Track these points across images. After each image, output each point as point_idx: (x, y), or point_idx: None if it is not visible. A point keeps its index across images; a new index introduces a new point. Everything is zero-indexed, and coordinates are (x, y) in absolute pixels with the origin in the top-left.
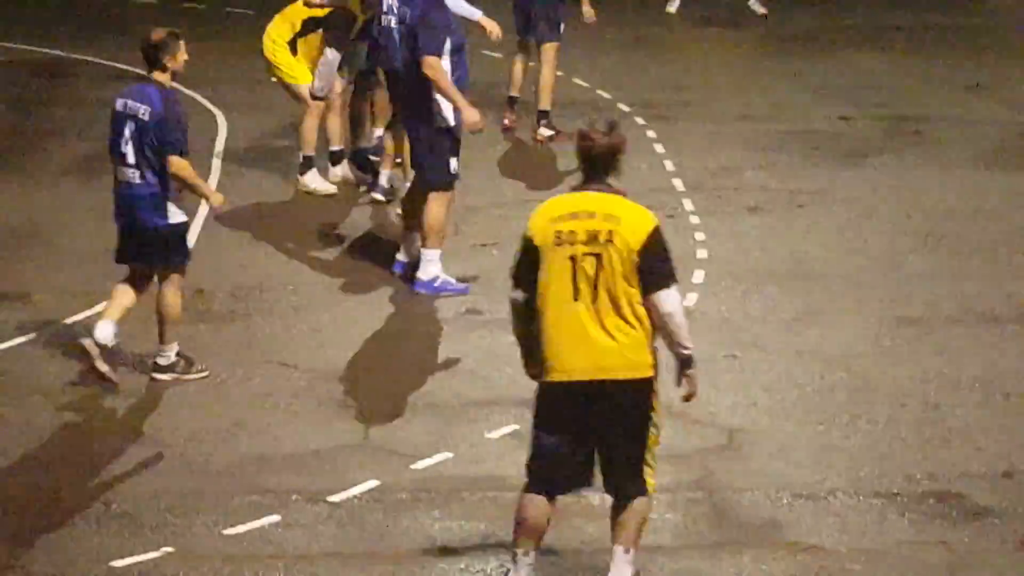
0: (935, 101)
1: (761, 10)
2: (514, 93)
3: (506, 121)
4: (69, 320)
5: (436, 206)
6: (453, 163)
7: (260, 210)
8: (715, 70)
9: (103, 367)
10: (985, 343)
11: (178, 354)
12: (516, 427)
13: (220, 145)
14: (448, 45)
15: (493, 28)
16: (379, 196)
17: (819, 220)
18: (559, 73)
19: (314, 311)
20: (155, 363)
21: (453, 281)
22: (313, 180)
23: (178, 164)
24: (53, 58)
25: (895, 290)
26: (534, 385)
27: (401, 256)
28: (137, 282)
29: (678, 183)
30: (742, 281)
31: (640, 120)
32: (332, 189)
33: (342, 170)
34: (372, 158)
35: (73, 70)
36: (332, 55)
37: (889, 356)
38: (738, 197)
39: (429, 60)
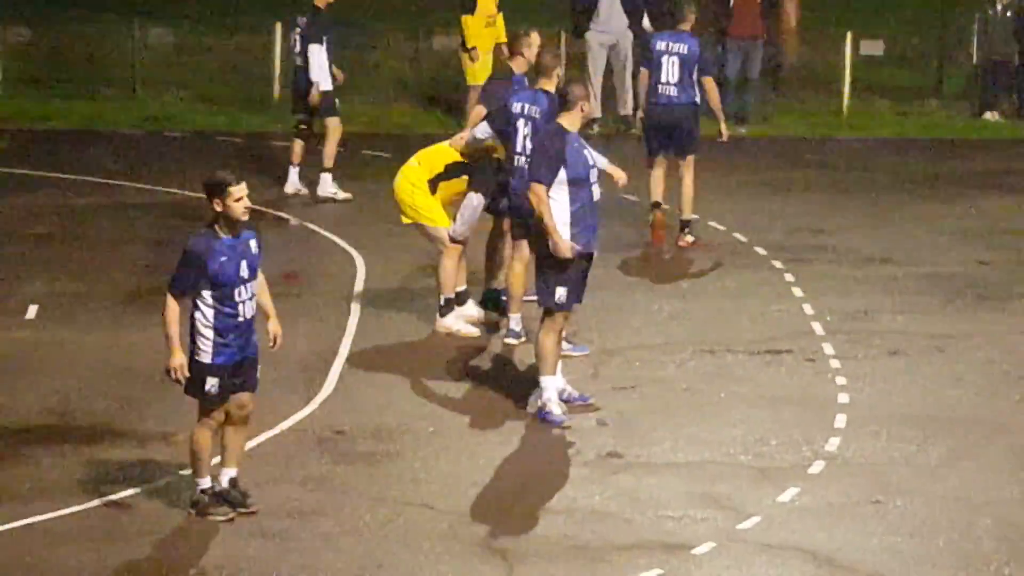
0: None
1: None
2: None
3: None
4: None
5: (543, 334)
6: (559, 292)
7: (399, 351)
8: (850, 213)
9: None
10: None
11: (203, 490)
12: (660, 571)
13: (359, 287)
14: (563, 175)
15: (620, 176)
16: (511, 340)
17: (960, 364)
18: (696, 216)
19: (454, 452)
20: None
21: (556, 412)
22: (455, 322)
23: (166, 305)
24: (189, 199)
25: None
26: (679, 529)
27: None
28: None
29: (817, 327)
30: (885, 425)
31: (777, 263)
32: (475, 332)
33: (469, 310)
34: (503, 299)
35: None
36: (477, 200)
37: None
38: (879, 341)
39: (534, 187)
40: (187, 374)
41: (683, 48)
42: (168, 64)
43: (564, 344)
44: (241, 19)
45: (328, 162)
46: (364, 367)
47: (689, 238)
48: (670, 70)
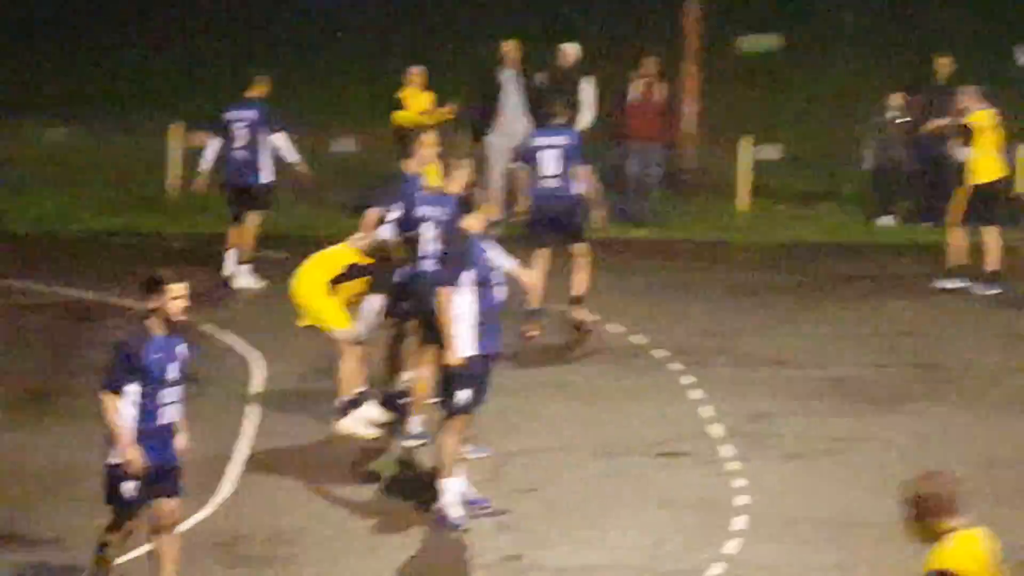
0: (969, 348)
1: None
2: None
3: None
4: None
5: (445, 436)
6: (462, 394)
7: (298, 453)
8: (747, 315)
9: None
10: None
11: None
12: None
13: (256, 388)
14: (468, 277)
15: (528, 280)
16: (413, 442)
17: (858, 467)
18: (595, 317)
19: (354, 555)
20: None
21: (455, 514)
22: (354, 424)
23: (105, 405)
24: (81, 300)
25: None
26: None
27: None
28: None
29: (715, 429)
30: (783, 528)
31: (675, 366)
32: (374, 434)
33: (369, 412)
34: (402, 401)
35: (100, 312)
36: (378, 301)
37: None
38: (776, 443)
39: (439, 291)
40: (144, 465)
41: (562, 140)
42: (62, 163)
43: (466, 446)
44: (132, 118)
45: (247, 254)
46: (262, 470)
47: (581, 313)
48: (551, 163)
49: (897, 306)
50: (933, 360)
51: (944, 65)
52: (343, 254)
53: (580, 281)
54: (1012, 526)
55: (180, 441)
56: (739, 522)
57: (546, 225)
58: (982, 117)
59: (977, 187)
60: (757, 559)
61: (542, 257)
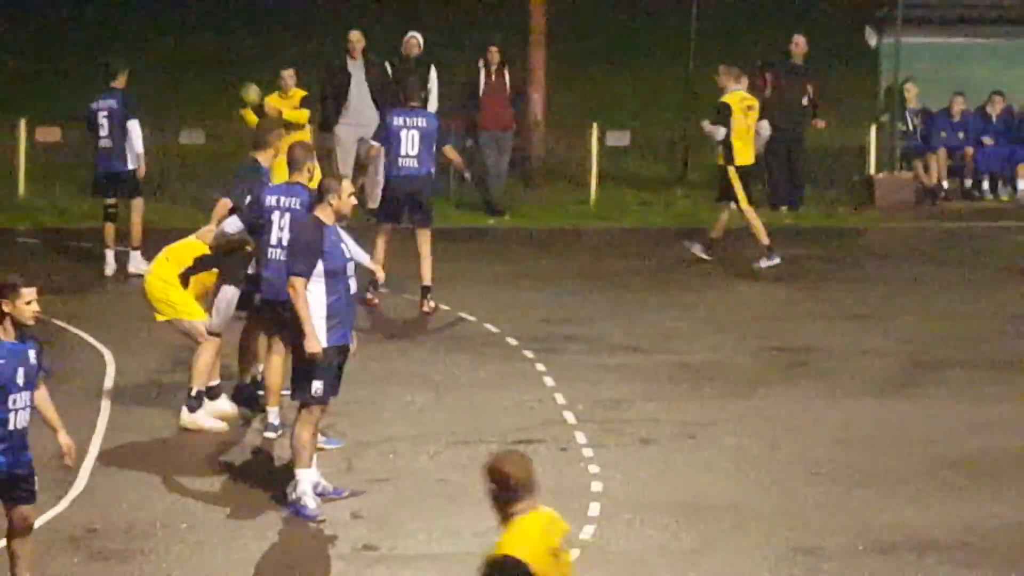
0: (821, 332)
1: (702, 255)
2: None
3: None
4: None
5: (299, 427)
6: (315, 385)
7: (152, 447)
8: (601, 302)
9: None
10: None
11: None
12: None
13: (109, 383)
14: (320, 267)
15: (379, 272)
16: (270, 434)
17: (712, 451)
18: (446, 307)
19: (209, 547)
20: None
21: (311, 505)
22: (203, 417)
23: None
24: None
25: (790, 519)
26: None
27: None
28: None
29: (569, 416)
30: (639, 513)
31: (528, 353)
32: (222, 427)
33: (222, 405)
34: (257, 394)
35: None
36: (231, 292)
37: None
38: (631, 429)
39: (292, 280)
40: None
41: (422, 122)
42: None
43: (319, 437)
44: None
45: (136, 240)
46: (116, 464)
47: (431, 303)
48: (409, 143)
49: (750, 291)
50: (783, 344)
51: (799, 45)
52: (192, 246)
53: (427, 269)
54: (866, 507)
55: (64, 440)
56: (595, 508)
57: (400, 203)
58: (735, 99)
59: (738, 168)
60: (613, 545)
61: (386, 232)
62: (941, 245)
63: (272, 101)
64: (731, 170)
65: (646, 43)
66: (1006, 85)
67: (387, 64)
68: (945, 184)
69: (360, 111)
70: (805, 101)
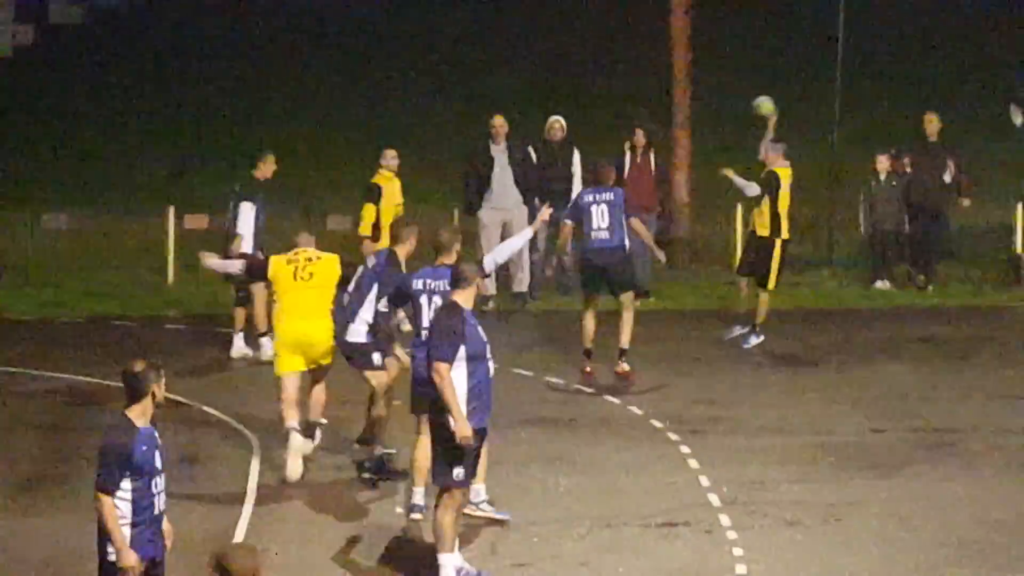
0: (966, 412)
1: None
2: (588, 345)
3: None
4: None
5: (441, 511)
6: (457, 469)
7: (295, 534)
8: (745, 383)
9: None
10: None
11: None
12: None
13: (254, 470)
14: (463, 352)
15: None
16: (416, 515)
17: (857, 533)
18: (590, 390)
19: None
20: None
21: None
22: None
23: (103, 505)
24: (79, 383)
25: None
26: None
27: None
28: None
29: (714, 498)
30: None
31: (673, 436)
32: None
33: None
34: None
35: (103, 396)
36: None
37: None
38: (775, 511)
39: (437, 366)
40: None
41: (610, 196)
42: (63, 250)
43: (487, 507)
44: (131, 204)
45: (262, 326)
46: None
47: (625, 366)
48: (600, 217)
49: (894, 370)
50: (928, 424)
51: (932, 122)
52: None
53: (625, 332)
54: None
55: (165, 525)
56: None
57: (597, 276)
58: (786, 172)
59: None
60: None
61: (592, 306)
62: None
63: (382, 181)
64: (779, 243)
65: (790, 122)
66: None
67: (530, 148)
68: None
69: (503, 195)
70: (948, 178)
